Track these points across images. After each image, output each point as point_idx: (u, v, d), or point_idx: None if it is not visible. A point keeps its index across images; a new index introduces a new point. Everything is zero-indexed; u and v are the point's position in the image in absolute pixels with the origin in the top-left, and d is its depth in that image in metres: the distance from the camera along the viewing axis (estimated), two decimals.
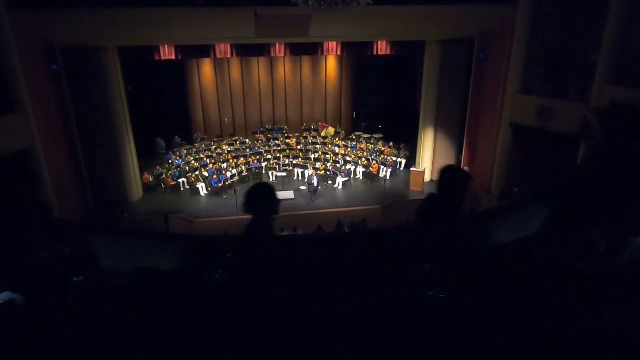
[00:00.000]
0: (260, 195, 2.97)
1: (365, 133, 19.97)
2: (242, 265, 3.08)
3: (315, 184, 14.84)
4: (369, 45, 15.83)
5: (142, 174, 15.80)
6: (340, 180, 16.07)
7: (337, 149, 17.94)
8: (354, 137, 19.44)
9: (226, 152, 17.76)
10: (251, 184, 16.55)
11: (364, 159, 17.15)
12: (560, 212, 5.95)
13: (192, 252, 5.93)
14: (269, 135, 19.38)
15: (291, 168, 17.16)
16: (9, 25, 10.84)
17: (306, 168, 16.60)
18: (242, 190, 15.43)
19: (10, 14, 10.81)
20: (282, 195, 15.23)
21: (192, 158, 17.19)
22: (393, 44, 15.76)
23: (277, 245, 3.05)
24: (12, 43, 10.96)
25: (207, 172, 16.07)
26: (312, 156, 17.48)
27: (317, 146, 18.24)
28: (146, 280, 4.69)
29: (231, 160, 17.07)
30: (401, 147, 17.96)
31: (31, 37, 11.88)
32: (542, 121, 12.44)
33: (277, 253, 3.08)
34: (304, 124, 20.30)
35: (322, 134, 19.47)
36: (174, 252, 6.14)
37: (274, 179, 16.65)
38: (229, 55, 15.81)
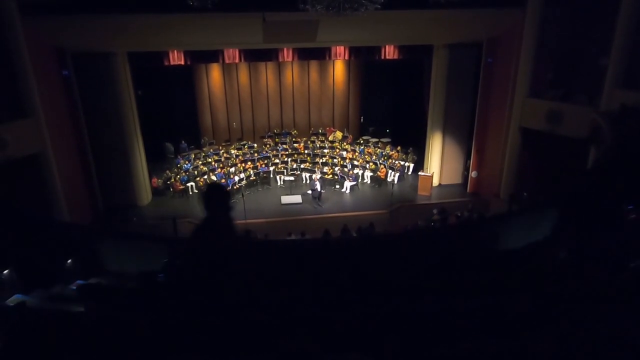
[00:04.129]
0: (215, 195, 3.10)
1: (372, 137, 19.94)
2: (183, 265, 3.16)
3: (319, 189, 14.83)
4: (377, 49, 15.84)
5: (150, 178, 15.92)
6: (347, 184, 16.06)
7: (344, 153, 17.94)
8: (362, 141, 19.41)
9: (234, 156, 17.83)
10: (258, 188, 16.52)
11: (371, 163, 17.13)
12: (571, 216, 5.90)
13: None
14: (276, 140, 19.44)
15: (299, 172, 17.17)
16: (22, 31, 11.03)
17: (314, 172, 16.61)
18: (249, 194, 15.48)
19: (22, 21, 11.00)
20: (289, 199, 15.32)
21: (200, 162, 17.29)
22: (401, 48, 15.75)
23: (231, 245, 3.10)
24: (24, 49, 11.14)
25: (215, 176, 16.14)
26: (320, 160, 17.49)
27: (325, 150, 18.26)
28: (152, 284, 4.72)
29: (239, 165, 17.13)
30: (409, 151, 17.91)
31: (43, 43, 12.06)
32: (551, 125, 12.35)
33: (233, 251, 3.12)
34: (312, 128, 20.33)
35: (330, 138, 19.49)
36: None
37: (282, 183, 16.69)
38: (237, 60, 15.91)
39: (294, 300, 3.35)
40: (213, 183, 2.97)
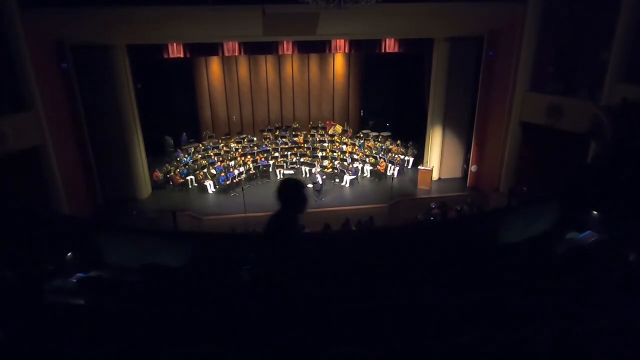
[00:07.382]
0: (293, 190, 3.14)
1: (372, 131, 19.90)
2: (267, 261, 3.17)
3: (320, 182, 14.81)
4: (377, 43, 15.75)
5: (150, 171, 15.91)
6: (347, 178, 16.05)
7: (344, 147, 17.91)
8: (362, 135, 19.39)
9: (234, 149, 17.81)
10: (258, 181, 16.52)
11: (371, 157, 17.11)
12: (570, 211, 5.89)
13: (207, 250, 5.95)
14: (276, 133, 19.40)
15: (298, 166, 17.16)
16: (21, 24, 10.97)
17: (313, 166, 16.61)
18: (249, 188, 15.47)
19: (21, 13, 10.94)
20: None
21: (200, 156, 17.27)
22: (401, 42, 15.67)
23: (301, 241, 3.13)
24: (23, 42, 11.09)
25: (215, 169, 16.13)
26: (320, 154, 17.47)
27: (325, 144, 18.23)
28: (154, 277, 4.73)
29: (239, 158, 17.12)
30: (409, 145, 17.88)
31: (42, 35, 11.99)
32: (552, 120, 12.32)
33: (301, 249, 3.16)
34: (312, 122, 20.27)
35: (330, 131, 19.45)
36: (185, 250, 6.17)
37: (281, 176, 16.68)
38: (237, 53, 15.83)
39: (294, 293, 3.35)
40: (290, 179, 2.97)
